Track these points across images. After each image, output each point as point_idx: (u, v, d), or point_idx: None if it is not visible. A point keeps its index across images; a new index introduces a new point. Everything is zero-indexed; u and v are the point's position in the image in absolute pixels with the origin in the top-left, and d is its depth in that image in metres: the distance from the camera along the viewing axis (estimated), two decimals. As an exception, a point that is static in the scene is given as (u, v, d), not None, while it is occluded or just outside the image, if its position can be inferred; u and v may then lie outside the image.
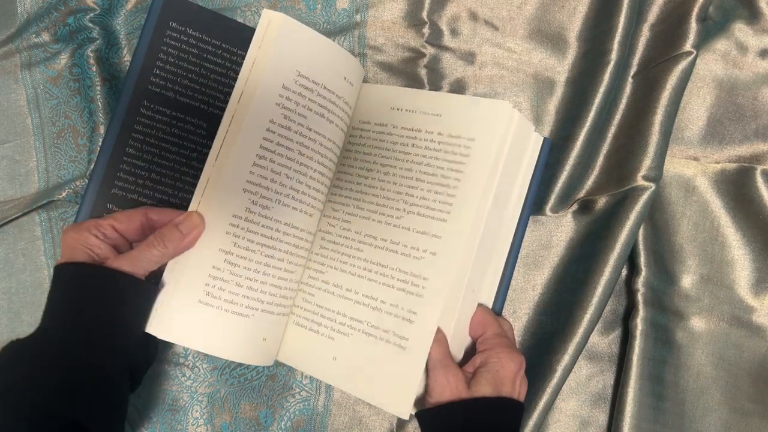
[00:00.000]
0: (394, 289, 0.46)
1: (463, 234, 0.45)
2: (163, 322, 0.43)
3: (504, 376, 0.42)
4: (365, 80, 0.56)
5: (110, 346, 0.40)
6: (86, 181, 0.54)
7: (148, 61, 0.49)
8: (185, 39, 0.49)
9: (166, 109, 0.50)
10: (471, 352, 0.47)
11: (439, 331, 0.44)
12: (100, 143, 0.53)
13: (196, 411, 0.55)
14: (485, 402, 0.41)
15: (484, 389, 0.42)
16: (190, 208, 0.44)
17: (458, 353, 0.47)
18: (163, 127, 0.50)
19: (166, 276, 0.43)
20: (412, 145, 0.48)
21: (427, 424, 0.43)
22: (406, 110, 0.49)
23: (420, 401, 0.45)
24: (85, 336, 0.39)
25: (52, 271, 0.42)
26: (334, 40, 0.56)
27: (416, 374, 0.43)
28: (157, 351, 0.48)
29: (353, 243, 0.49)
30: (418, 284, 0.45)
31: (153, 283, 0.43)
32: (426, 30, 0.56)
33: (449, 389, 0.42)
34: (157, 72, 0.49)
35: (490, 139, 0.46)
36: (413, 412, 0.44)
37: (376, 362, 0.45)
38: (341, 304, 0.48)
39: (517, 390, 0.43)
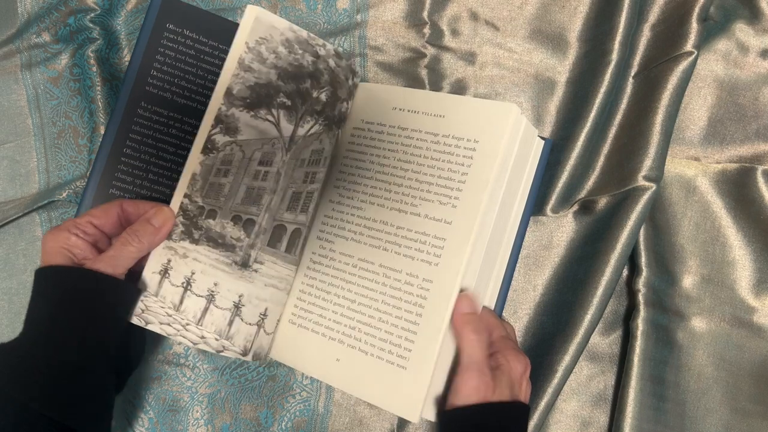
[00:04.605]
0: (401, 291, 0.46)
1: (469, 238, 0.45)
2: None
3: (514, 379, 0.43)
4: (366, 80, 0.56)
5: (93, 348, 0.40)
6: (86, 181, 0.54)
7: (146, 63, 0.49)
8: (182, 40, 0.49)
9: (163, 110, 0.50)
10: None
11: (484, 330, 0.43)
12: (99, 141, 0.53)
13: (197, 411, 0.55)
14: (503, 405, 0.41)
15: (503, 393, 0.41)
16: (172, 202, 0.44)
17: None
18: (161, 128, 0.50)
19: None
20: (415, 146, 0.48)
21: (446, 424, 0.43)
22: (409, 111, 0.49)
23: (439, 399, 0.45)
24: (68, 338, 0.39)
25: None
26: (334, 41, 0.56)
27: (425, 378, 0.44)
28: (143, 354, 0.48)
29: (356, 245, 0.49)
30: (425, 287, 0.45)
31: (132, 283, 0.43)
32: (426, 30, 0.56)
33: (478, 394, 0.41)
34: (155, 73, 0.49)
35: (496, 142, 0.45)
36: (425, 416, 0.44)
37: (384, 365, 0.46)
38: (345, 306, 0.48)
39: (524, 392, 0.44)
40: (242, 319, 0.46)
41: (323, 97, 0.48)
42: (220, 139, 0.44)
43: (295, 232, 0.49)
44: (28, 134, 0.56)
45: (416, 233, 0.46)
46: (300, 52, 0.46)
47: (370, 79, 0.56)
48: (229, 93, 0.44)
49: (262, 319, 0.47)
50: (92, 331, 0.40)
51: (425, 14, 0.55)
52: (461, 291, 0.44)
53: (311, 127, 0.47)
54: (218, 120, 0.44)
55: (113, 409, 0.42)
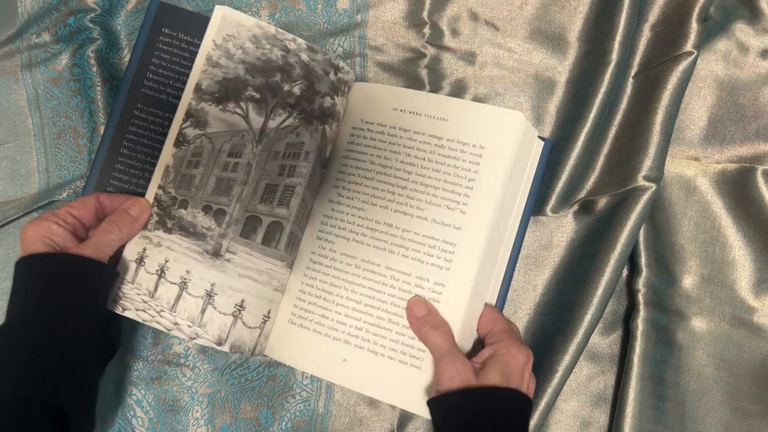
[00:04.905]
0: (410, 294, 0.47)
1: (480, 244, 0.45)
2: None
3: (513, 368, 0.43)
4: (366, 80, 0.56)
5: (81, 331, 0.41)
6: (85, 180, 0.54)
7: (142, 66, 0.50)
8: (177, 43, 0.50)
9: (158, 111, 0.51)
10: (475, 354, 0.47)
11: (443, 324, 0.45)
12: (99, 142, 0.54)
13: (197, 411, 0.55)
14: (495, 391, 0.42)
15: (492, 378, 0.42)
16: (148, 193, 0.46)
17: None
18: (156, 128, 0.51)
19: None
20: (418, 149, 0.48)
21: (437, 411, 0.43)
22: (411, 112, 0.49)
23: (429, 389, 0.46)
24: (57, 324, 0.40)
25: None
26: (334, 41, 0.56)
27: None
28: (120, 339, 0.49)
29: (358, 246, 0.49)
30: (437, 290, 0.46)
31: (114, 267, 0.45)
32: (426, 30, 0.56)
33: (458, 377, 0.42)
34: (150, 76, 0.50)
35: (503, 149, 0.46)
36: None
37: (397, 365, 0.46)
38: (350, 307, 0.48)
39: (526, 383, 0.44)
40: (215, 308, 0.46)
41: (296, 90, 0.48)
42: (191, 132, 0.47)
43: (274, 225, 0.49)
44: (28, 134, 0.56)
45: (424, 237, 0.47)
46: (268, 47, 0.47)
47: (370, 79, 0.56)
48: (198, 88, 0.46)
49: (239, 310, 0.47)
50: (80, 315, 0.41)
51: (425, 14, 0.55)
52: (414, 297, 0.46)
53: (284, 120, 0.48)
54: (189, 114, 0.46)
55: (97, 391, 0.44)
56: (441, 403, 0.43)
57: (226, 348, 0.47)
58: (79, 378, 0.41)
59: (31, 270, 0.42)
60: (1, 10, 0.56)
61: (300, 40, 0.48)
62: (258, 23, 0.47)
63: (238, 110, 0.47)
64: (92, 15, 0.55)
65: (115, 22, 0.56)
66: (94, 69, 0.55)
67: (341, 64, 0.50)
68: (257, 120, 0.47)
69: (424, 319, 0.45)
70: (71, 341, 0.41)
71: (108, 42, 0.55)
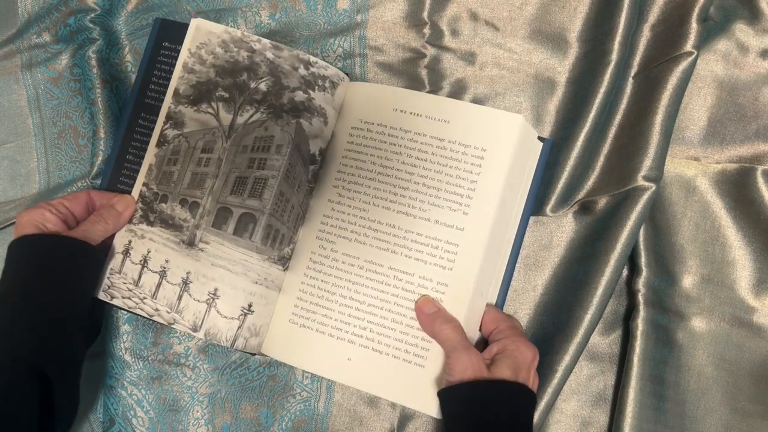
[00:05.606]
0: (414, 294, 0.47)
1: (483, 245, 0.46)
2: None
3: (522, 363, 0.44)
4: (365, 80, 0.56)
5: (69, 305, 0.44)
6: (87, 182, 0.55)
7: (146, 78, 0.53)
8: (175, 55, 0.52)
9: None
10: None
11: (454, 319, 0.45)
12: (101, 145, 0.54)
13: (197, 411, 0.55)
14: (505, 384, 0.42)
15: (503, 372, 0.43)
16: (133, 190, 0.51)
17: None
18: None
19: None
20: (420, 150, 0.49)
21: (447, 401, 0.44)
22: (411, 113, 0.50)
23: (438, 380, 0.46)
24: (46, 296, 0.43)
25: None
26: (334, 41, 0.56)
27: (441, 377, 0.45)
28: (101, 326, 0.52)
29: (360, 246, 0.49)
30: (440, 290, 0.47)
31: (102, 250, 0.49)
32: (426, 30, 0.56)
33: (471, 368, 0.43)
34: (152, 87, 0.53)
35: (504, 152, 0.47)
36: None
37: (401, 364, 0.47)
38: (353, 307, 0.48)
39: (531, 380, 0.44)
40: (190, 295, 0.49)
41: (263, 86, 0.50)
42: (171, 133, 0.51)
43: (246, 217, 0.50)
44: (28, 134, 0.56)
45: (427, 238, 0.47)
46: (235, 49, 0.51)
47: (370, 79, 0.56)
48: (176, 93, 0.51)
49: (212, 298, 0.49)
50: (68, 292, 0.44)
51: (425, 14, 0.55)
52: (422, 296, 0.47)
53: (251, 116, 0.50)
54: (168, 117, 0.51)
55: (82, 364, 0.46)
56: (452, 394, 0.43)
57: (201, 335, 0.49)
58: (65, 350, 0.44)
59: (24, 250, 0.44)
60: (1, 10, 0.56)
61: (264, 40, 0.51)
62: (226, 29, 0.51)
63: (210, 110, 0.50)
64: (92, 15, 0.55)
65: (115, 22, 0.56)
66: (95, 70, 0.55)
67: (313, 59, 0.51)
68: (226, 117, 0.50)
69: (434, 316, 0.46)
70: (60, 315, 0.43)
71: (108, 42, 0.55)
